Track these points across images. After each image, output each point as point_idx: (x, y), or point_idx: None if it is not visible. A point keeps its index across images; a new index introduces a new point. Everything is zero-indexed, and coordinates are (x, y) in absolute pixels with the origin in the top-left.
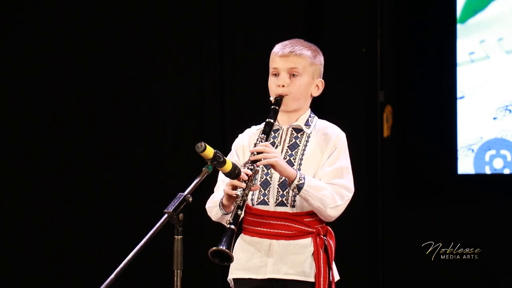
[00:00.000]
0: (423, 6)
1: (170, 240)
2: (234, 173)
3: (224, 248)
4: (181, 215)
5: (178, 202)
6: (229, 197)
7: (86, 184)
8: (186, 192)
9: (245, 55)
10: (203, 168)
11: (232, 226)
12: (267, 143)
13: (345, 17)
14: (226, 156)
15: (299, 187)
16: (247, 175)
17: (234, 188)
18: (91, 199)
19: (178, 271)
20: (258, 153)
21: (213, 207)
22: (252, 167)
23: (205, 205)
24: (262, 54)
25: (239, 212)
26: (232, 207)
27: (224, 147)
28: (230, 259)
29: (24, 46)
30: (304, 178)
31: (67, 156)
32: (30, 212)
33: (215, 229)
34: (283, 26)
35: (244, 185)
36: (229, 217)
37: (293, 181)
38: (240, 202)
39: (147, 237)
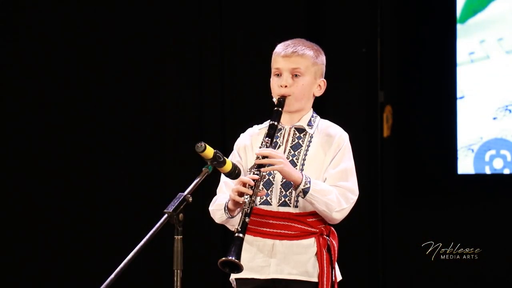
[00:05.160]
0: (423, 6)
1: (170, 240)
2: (234, 174)
3: (233, 258)
4: (181, 215)
5: (178, 202)
6: (236, 202)
7: (86, 184)
8: (186, 192)
9: (245, 55)
10: (203, 168)
11: (241, 235)
12: (272, 149)
13: (345, 17)
14: (227, 156)
15: (305, 191)
16: (253, 180)
17: (241, 194)
18: (90, 199)
19: (178, 271)
20: (264, 157)
21: (217, 210)
22: (257, 172)
23: (205, 204)
24: (262, 54)
25: (247, 219)
26: (239, 214)
27: (224, 147)
28: (239, 268)
29: (25, 46)
30: (309, 182)
31: (67, 156)
32: (30, 211)
33: (215, 229)
34: (283, 26)
35: (251, 191)
36: (236, 225)
37: (298, 185)
38: (247, 209)
39: (147, 237)
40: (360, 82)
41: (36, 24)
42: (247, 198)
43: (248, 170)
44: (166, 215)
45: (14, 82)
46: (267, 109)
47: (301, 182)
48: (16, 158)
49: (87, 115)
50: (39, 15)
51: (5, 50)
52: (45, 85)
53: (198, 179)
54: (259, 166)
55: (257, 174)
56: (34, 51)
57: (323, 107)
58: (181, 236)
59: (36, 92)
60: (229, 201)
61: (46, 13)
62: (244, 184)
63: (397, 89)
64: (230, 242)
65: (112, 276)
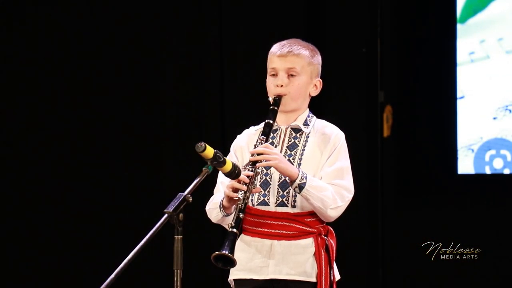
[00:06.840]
0: (423, 6)
1: (170, 240)
2: (234, 173)
3: (226, 252)
4: (181, 215)
5: (178, 202)
6: (230, 199)
7: (86, 184)
8: (186, 192)
9: (245, 55)
10: (203, 168)
11: (235, 230)
12: (268, 144)
13: (345, 17)
14: (226, 156)
15: (301, 187)
16: (248, 177)
17: (235, 190)
18: (91, 199)
19: (178, 271)
20: (259, 154)
21: (213, 209)
22: (252, 168)
23: (205, 205)
24: (262, 54)
25: (241, 215)
26: (234, 210)
27: (224, 147)
28: (233, 263)
29: (24, 46)
30: (306, 177)
31: (68, 156)
32: (30, 211)
33: (215, 229)
34: (283, 26)
35: (245, 187)
36: (231, 221)
37: (294, 180)
38: (242, 205)
39: (147, 237)
40: (360, 82)
41: (36, 24)
42: (241, 194)
43: (243, 167)
44: (166, 215)
45: (14, 82)
46: (266, 110)
47: (297, 177)
48: (16, 158)
49: (87, 115)
50: (39, 15)
51: (4, 50)
52: (45, 85)
53: (198, 179)
54: (254, 163)
55: (252, 171)
56: (34, 51)
57: (323, 107)
58: (181, 236)
59: (36, 92)
60: (224, 198)
61: (46, 13)
62: (239, 181)
63: (397, 89)
64: (224, 237)
65: (112, 276)
